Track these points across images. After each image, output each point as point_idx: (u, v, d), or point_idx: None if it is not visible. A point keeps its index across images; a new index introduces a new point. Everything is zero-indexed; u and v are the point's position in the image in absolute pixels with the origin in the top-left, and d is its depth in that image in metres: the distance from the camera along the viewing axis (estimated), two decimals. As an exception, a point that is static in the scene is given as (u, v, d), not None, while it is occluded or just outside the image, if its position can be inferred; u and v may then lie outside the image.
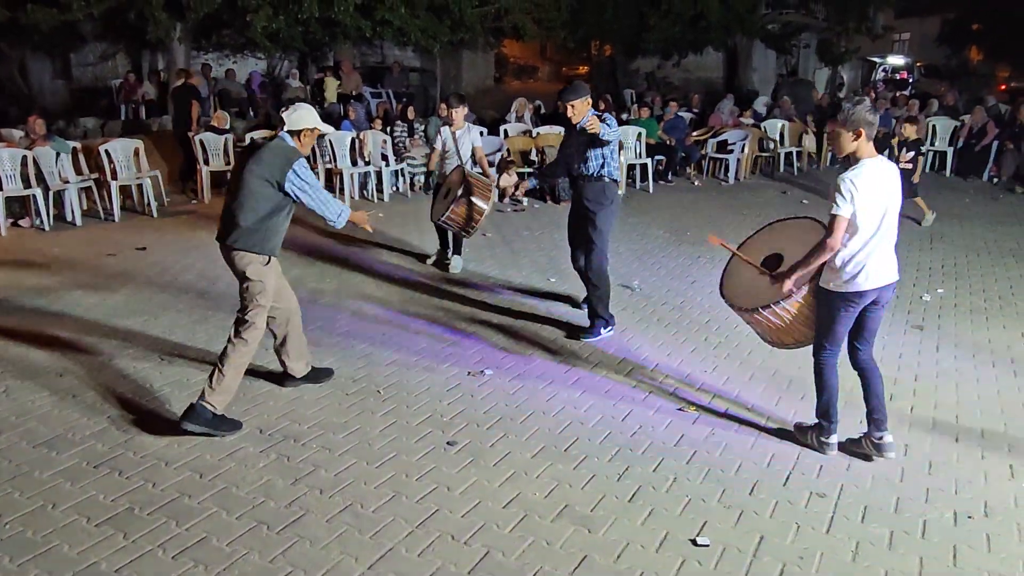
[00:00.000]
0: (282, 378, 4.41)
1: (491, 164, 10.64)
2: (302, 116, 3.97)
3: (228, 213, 3.94)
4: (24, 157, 8.35)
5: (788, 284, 3.62)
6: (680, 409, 4.25)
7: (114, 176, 9.10)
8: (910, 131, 9.72)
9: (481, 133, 11.46)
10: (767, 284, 3.77)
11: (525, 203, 10.17)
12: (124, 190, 9.39)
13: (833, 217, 3.43)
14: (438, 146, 6.91)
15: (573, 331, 5.41)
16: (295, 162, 3.84)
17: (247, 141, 10.52)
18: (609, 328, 5.40)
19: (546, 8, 15.79)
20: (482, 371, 4.72)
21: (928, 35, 30.86)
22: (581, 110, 5.05)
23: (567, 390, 4.48)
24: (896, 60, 27.52)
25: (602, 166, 5.19)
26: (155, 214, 9.19)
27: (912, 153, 9.45)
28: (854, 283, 3.50)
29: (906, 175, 9.50)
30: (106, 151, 9.13)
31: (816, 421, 3.81)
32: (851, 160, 3.52)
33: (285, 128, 3.96)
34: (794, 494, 3.40)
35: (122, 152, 9.30)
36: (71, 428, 3.89)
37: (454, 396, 4.35)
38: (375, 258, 7.42)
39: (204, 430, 3.75)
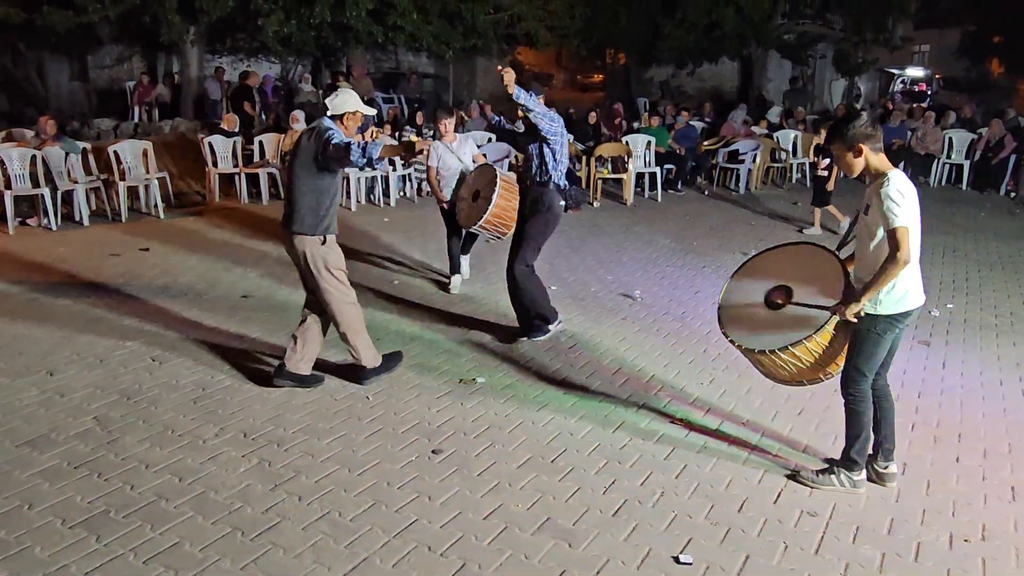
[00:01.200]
0: (276, 370, 4.41)
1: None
2: (345, 100, 4.12)
3: (288, 202, 4.25)
4: (33, 156, 8.41)
5: (855, 309, 3.27)
6: (673, 421, 4.16)
7: (122, 177, 9.14)
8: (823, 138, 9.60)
9: (489, 140, 11.46)
10: (787, 318, 3.48)
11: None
12: (132, 191, 9.43)
13: (896, 230, 3.12)
14: (433, 163, 6.48)
15: (508, 335, 5.35)
16: (325, 132, 4.00)
17: (256, 143, 10.60)
18: (557, 323, 5.38)
19: (559, 16, 15.77)
20: (474, 379, 4.65)
21: (948, 47, 30.61)
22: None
23: (559, 400, 4.40)
24: (915, 72, 27.28)
25: (542, 168, 5.11)
26: (161, 215, 9.22)
27: (828, 160, 9.28)
28: (904, 302, 3.29)
29: (820, 182, 9.39)
30: (115, 152, 9.18)
31: (832, 460, 3.55)
32: (871, 176, 3.31)
33: (328, 113, 4.10)
34: (784, 512, 3.31)
35: (131, 153, 9.34)
36: (55, 428, 3.86)
37: (443, 404, 4.29)
38: (375, 264, 7.39)
39: (381, 375, 4.45)
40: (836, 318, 3.36)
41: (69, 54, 15.61)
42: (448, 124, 6.48)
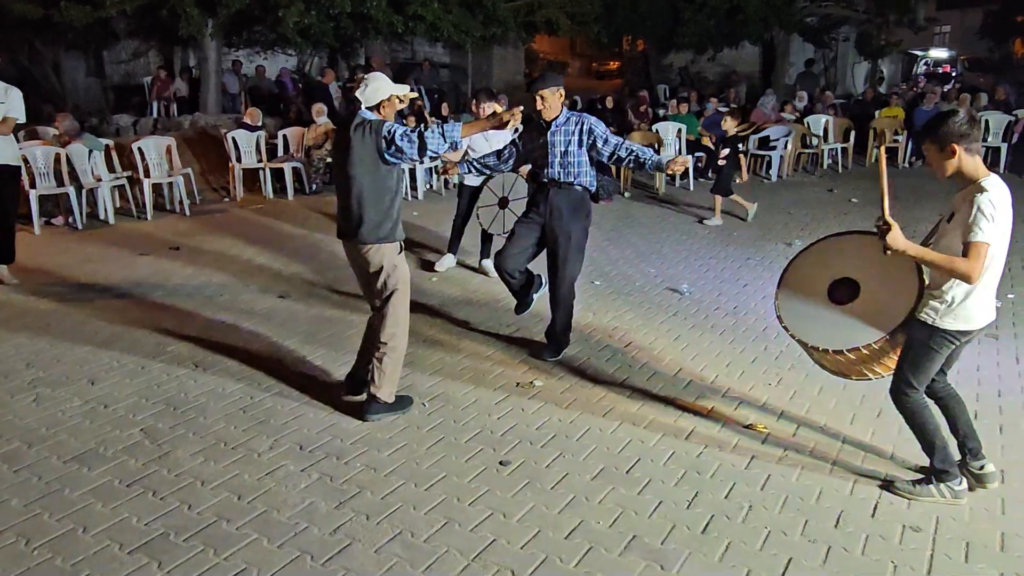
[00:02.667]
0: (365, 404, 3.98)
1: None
2: (377, 88, 3.80)
3: (348, 210, 3.83)
4: (57, 155, 8.24)
5: (897, 243, 2.98)
6: (748, 426, 3.95)
7: (147, 174, 8.97)
8: (730, 125, 9.30)
9: (516, 131, 11.22)
10: (855, 315, 3.30)
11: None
12: (156, 188, 9.26)
13: (975, 245, 2.87)
14: (463, 147, 6.40)
15: (536, 350, 4.90)
16: (382, 127, 3.70)
17: (278, 138, 10.40)
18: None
19: (579, 2, 15.45)
20: (531, 382, 4.45)
21: (970, 28, 30.05)
22: (554, 104, 4.50)
23: (623, 403, 4.19)
24: (938, 53, 26.77)
25: (580, 171, 4.56)
26: (187, 212, 9.05)
27: (728, 150, 9.03)
28: (969, 320, 3.05)
29: (721, 172, 9.09)
30: (138, 149, 9.01)
31: (928, 470, 3.32)
32: (961, 181, 3.04)
33: (363, 106, 3.78)
34: (885, 527, 3.09)
35: (155, 150, 9.17)
36: (103, 442, 3.68)
37: (504, 410, 4.09)
38: (412, 260, 7.18)
39: (387, 415, 3.93)
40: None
41: (85, 50, 15.46)
42: (487, 109, 6.38)
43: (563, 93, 4.56)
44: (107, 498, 3.20)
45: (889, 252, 3.03)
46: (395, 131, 3.68)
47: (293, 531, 3.01)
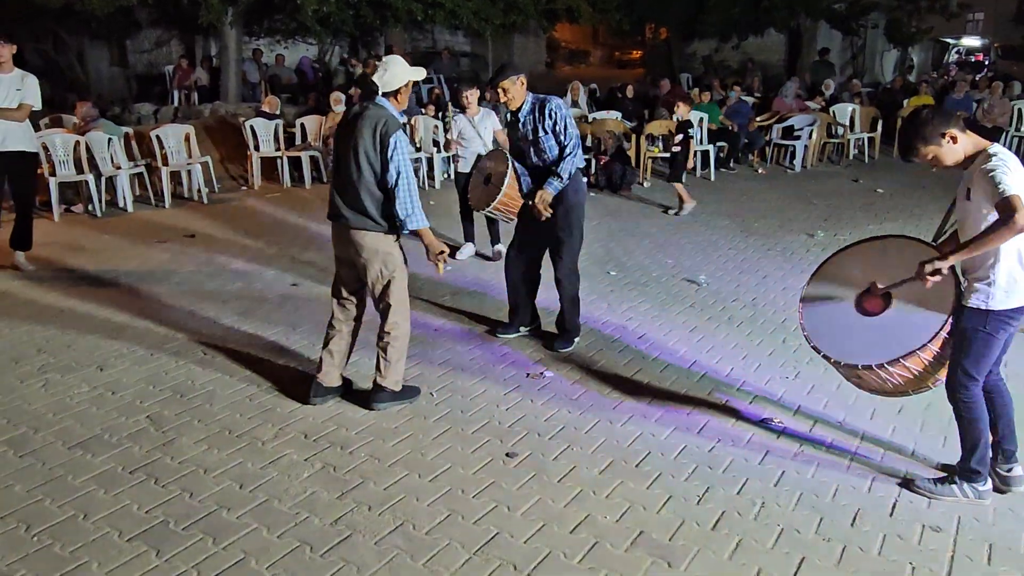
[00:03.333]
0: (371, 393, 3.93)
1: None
2: (395, 73, 3.68)
3: (344, 194, 3.71)
4: (76, 143, 8.29)
5: (939, 265, 2.91)
6: (763, 421, 3.84)
7: (165, 162, 9.00)
8: (684, 110, 9.05)
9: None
10: (889, 326, 3.11)
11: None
12: (174, 176, 9.29)
13: (1008, 198, 2.71)
14: (453, 135, 6.69)
15: (548, 341, 4.78)
16: (397, 130, 3.62)
17: (296, 127, 10.38)
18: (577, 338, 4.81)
19: (601, -11, 15.30)
20: (541, 373, 4.37)
21: (1004, 15, 29.28)
22: (516, 94, 4.42)
23: (634, 396, 4.10)
24: (971, 41, 26.11)
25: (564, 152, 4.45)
26: (205, 200, 9.07)
27: (681, 136, 8.84)
28: (1019, 296, 2.91)
29: (674, 159, 8.87)
30: (157, 137, 9.03)
31: (953, 469, 3.20)
32: (968, 159, 2.95)
33: (381, 91, 3.67)
34: (904, 527, 2.97)
35: (173, 138, 9.19)
36: (108, 428, 3.67)
37: (512, 401, 4.01)
38: (422, 250, 7.11)
39: (394, 404, 3.87)
40: (945, 329, 3.01)
41: (108, 40, 15.61)
42: (471, 96, 6.61)
43: (524, 81, 4.46)
44: (109, 485, 3.18)
45: (940, 276, 2.96)
46: (402, 151, 3.59)
47: (293, 521, 2.97)
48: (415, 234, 3.81)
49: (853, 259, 3.42)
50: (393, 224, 3.72)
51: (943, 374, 3.17)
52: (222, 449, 3.49)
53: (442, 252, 3.87)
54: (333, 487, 3.20)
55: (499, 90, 4.42)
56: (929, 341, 3.04)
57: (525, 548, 2.83)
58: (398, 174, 3.59)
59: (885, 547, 2.85)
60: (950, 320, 3.03)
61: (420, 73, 3.88)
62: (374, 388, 3.88)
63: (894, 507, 3.11)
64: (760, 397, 4.12)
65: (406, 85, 3.73)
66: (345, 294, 3.96)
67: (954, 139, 2.92)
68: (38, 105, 5.95)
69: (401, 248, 3.84)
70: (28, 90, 5.83)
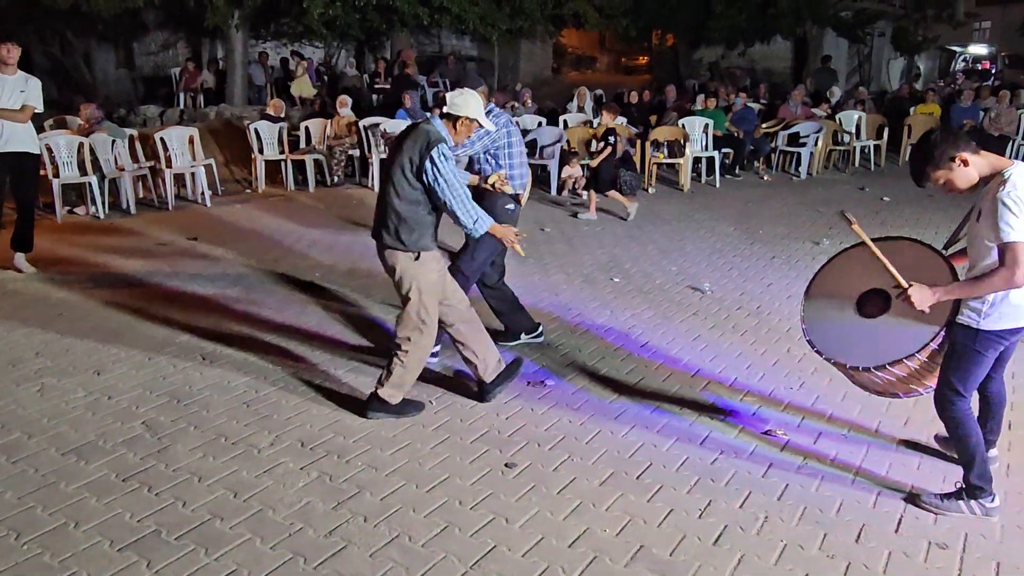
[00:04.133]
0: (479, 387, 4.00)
1: (551, 156, 10.24)
2: (467, 102, 3.64)
3: (378, 207, 3.74)
4: (80, 144, 8.27)
5: (926, 297, 2.89)
6: (766, 432, 3.78)
7: (169, 164, 8.99)
8: (608, 118, 9.11)
9: (540, 124, 11.08)
10: (886, 328, 3.10)
11: (585, 196, 9.73)
12: (178, 179, 9.28)
13: (1011, 245, 2.69)
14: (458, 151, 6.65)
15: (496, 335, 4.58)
16: (435, 147, 3.49)
17: (302, 129, 10.36)
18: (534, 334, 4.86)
19: (608, -5, 15.25)
20: (542, 381, 4.32)
21: (1011, 23, 29.18)
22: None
23: (637, 405, 4.05)
24: (978, 49, 26.02)
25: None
26: (208, 203, 9.04)
27: (602, 144, 8.83)
28: (1016, 317, 2.87)
29: (598, 168, 8.81)
30: (161, 139, 9.02)
31: (960, 484, 3.13)
32: (984, 180, 2.88)
33: (444, 110, 3.66)
34: (909, 544, 2.91)
35: (177, 140, 9.18)
36: (103, 434, 3.63)
37: (512, 410, 3.96)
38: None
39: (387, 416, 3.79)
40: (939, 337, 2.97)
41: (115, 42, 15.61)
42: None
43: (480, 96, 4.05)
44: (102, 492, 3.13)
45: (918, 305, 2.93)
46: (444, 165, 3.49)
47: (288, 532, 2.92)
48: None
49: (861, 257, 3.34)
50: (417, 245, 3.63)
51: (932, 380, 3.14)
52: (217, 456, 3.44)
53: (517, 234, 3.90)
54: (329, 497, 3.15)
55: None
56: (917, 351, 3.01)
57: (523, 562, 2.78)
58: (443, 193, 3.51)
59: (890, 564, 2.79)
60: (942, 333, 2.99)
61: (486, 122, 3.82)
62: (370, 396, 3.83)
63: (899, 523, 3.04)
64: (764, 407, 4.06)
65: (468, 120, 3.66)
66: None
67: (965, 162, 2.85)
68: (40, 107, 5.94)
69: (428, 270, 3.70)
70: (31, 92, 5.82)
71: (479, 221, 3.65)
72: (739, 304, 5.81)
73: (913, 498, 3.19)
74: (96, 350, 4.63)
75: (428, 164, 3.50)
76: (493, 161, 4.51)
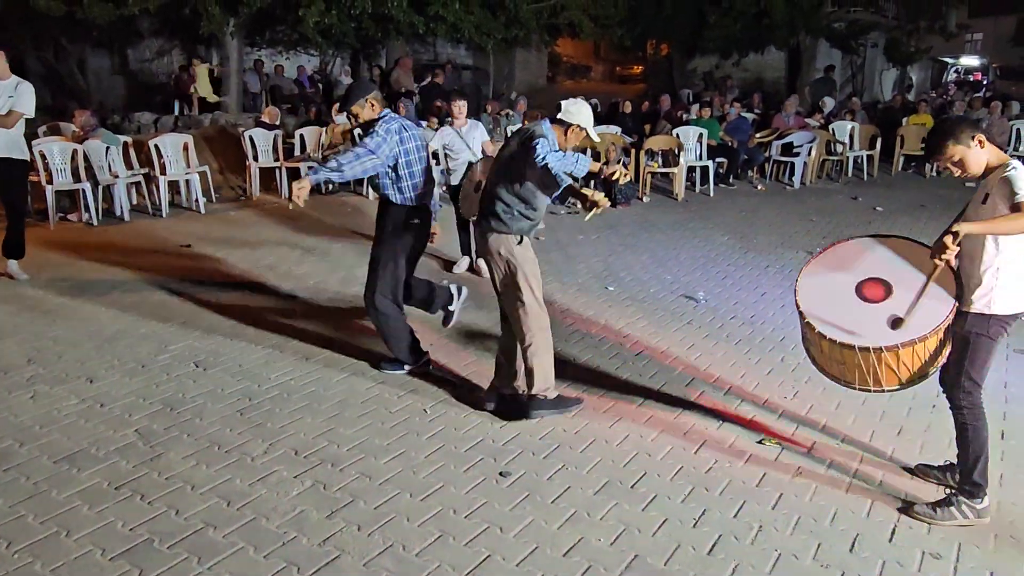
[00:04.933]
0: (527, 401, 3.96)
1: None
2: (580, 111, 3.79)
3: (485, 200, 3.92)
4: (74, 151, 8.26)
5: (962, 229, 2.87)
6: (760, 442, 3.78)
7: (163, 171, 8.97)
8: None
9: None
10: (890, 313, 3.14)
11: (579, 205, 9.74)
12: (172, 186, 9.26)
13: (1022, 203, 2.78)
14: (435, 145, 6.65)
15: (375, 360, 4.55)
16: (538, 139, 3.60)
17: (297, 137, 10.36)
18: (414, 363, 4.45)
19: (603, 5, 15.32)
20: (537, 390, 4.31)
21: (1003, 35, 29.48)
22: (368, 116, 4.22)
23: (631, 414, 4.05)
24: (970, 61, 26.25)
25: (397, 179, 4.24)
26: (202, 210, 9.03)
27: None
28: (1020, 303, 2.97)
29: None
30: (155, 146, 9.01)
31: (951, 491, 3.19)
32: (987, 170, 2.99)
33: (557, 115, 3.78)
34: (903, 553, 2.91)
35: (171, 147, 9.17)
36: (96, 442, 3.60)
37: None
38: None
39: (551, 412, 3.90)
40: (947, 320, 3.02)
41: (110, 48, 15.60)
42: (462, 108, 6.65)
43: (374, 102, 4.20)
44: (94, 501, 3.12)
45: (959, 243, 2.92)
46: (544, 152, 3.54)
47: (281, 540, 2.90)
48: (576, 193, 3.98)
49: (859, 249, 3.46)
50: (516, 228, 3.81)
51: (889, 382, 3.20)
52: (211, 465, 3.43)
53: (597, 202, 3.84)
54: (323, 506, 3.13)
55: (351, 117, 4.27)
56: (900, 343, 3.05)
57: (517, 571, 2.77)
58: (546, 159, 3.54)
59: (884, 574, 2.80)
60: (929, 332, 3.03)
61: (593, 133, 3.93)
62: (526, 399, 3.91)
63: (893, 532, 3.05)
64: (758, 417, 4.07)
65: (578, 128, 3.78)
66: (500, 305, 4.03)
67: (982, 143, 2.96)
68: (31, 113, 5.89)
69: (529, 254, 3.86)
70: (20, 97, 5.76)
71: (578, 164, 3.63)
72: (733, 313, 5.82)
73: (907, 508, 3.20)
74: (89, 357, 4.61)
75: (537, 141, 3.56)
76: (393, 174, 4.24)
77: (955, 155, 2.98)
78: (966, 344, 3.04)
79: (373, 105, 4.22)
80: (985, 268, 2.99)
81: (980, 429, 3.07)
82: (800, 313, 3.38)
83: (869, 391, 3.32)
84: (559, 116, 3.77)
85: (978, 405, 3.07)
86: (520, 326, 3.85)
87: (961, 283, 3.07)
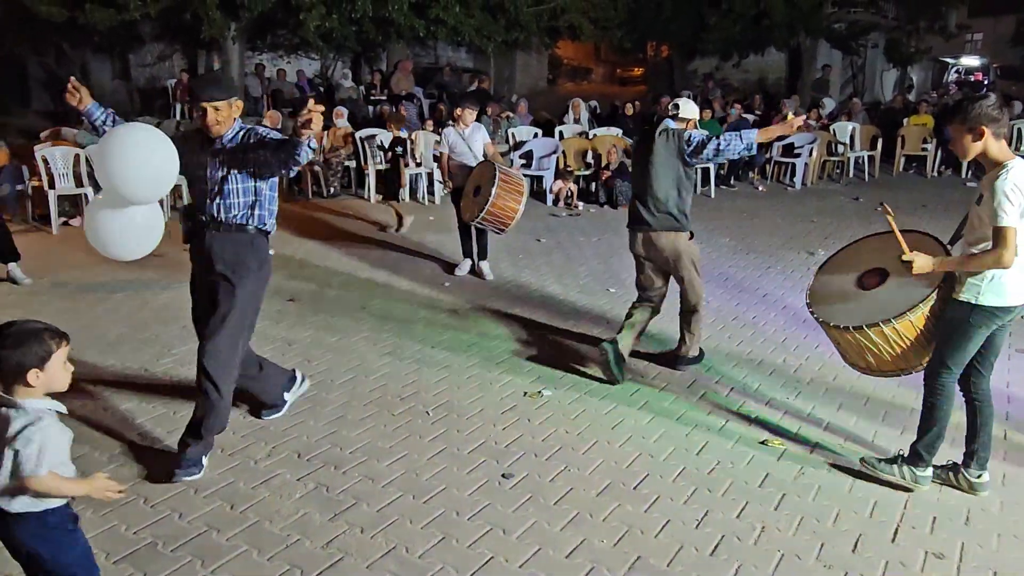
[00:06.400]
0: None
1: (539, 168, 10.28)
2: (691, 108, 4.56)
3: (644, 202, 4.47)
4: (76, 156, 8.28)
5: (925, 264, 3.12)
6: (763, 442, 3.78)
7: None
8: (394, 129, 9.37)
9: (536, 135, 11.13)
10: (879, 297, 3.32)
11: (580, 208, 9.76)
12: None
13: (1004, 229, 2.90)
14: (444, 149, 6.75)
15: (257, 408, 3.90)
16: (682, 133, 4.39)
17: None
18: (202, 459, 3.39)
19: (603, 7, 15.35)
20: (539, 391, 4.32)
21: (1003, 35, 29.44)
22: (228, 117, 3.38)
23: (633, 416, 4.05)
24: (970, 61, 26.24)
25: (253, 207, 3.43)
26: (204, 215, 9.03)
27: (391, 154, 9.14)
28: (1007, 296, 3.04)
29: (385, 176, 9.03)
30: (157, 150, 9.01)
31: (902, 452, 3.38)
32: (988, 165, 3.02)
33: (677, 114, 4.47)
34: (907, 553, 2.92)
35: (173, 151, 9.17)
36: (99, 446, 3.62)
37: (509, 420, 3.96)
38: (423, 266, 7.09)
39: (693, 364, 4.68)
40: (933, 297, 3.15)
41: (111, 53, 15.63)
42: (470, 114, 6.75)
43: (240, 107, 3.46)
44: (98, 504, 3.11)
45: (916, 269, 3.16)
46: (692, 136, 4.33)
47: (284, 543, 2.91)
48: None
49: (866, 247, 3.69)
50: (687, 224, 4.47)
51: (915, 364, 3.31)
52: (213, 468, 3.43)
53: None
54: (325, 508, 3.14)
55: (211, 108, 3.33)
56: (893, 316, 3.18)
57: (520, 573, 2.77)
58: (704, 143, 4.29)
59: (887, 574, 2.80)
60: (931, 297, 3.15)
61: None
62: (677, 357, 4.67)
63: (896, 532, 3.05)
64: (760, 417, 4.07)
65: (695, 122, 4.58)
66: (645, 286, 4.68)
67: (980, 136, 2.97)
68: None
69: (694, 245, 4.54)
70: None
71: (748, 133, 4.32)
72: (735, 315, 5.82)
73: (863, 461, 3.42)
74: (93, 361, 4.62)
75: (687, 134, 4.35)
76: (253, 192, 3.45)
77: (956, 132, 3.05)
78: (948, 328, 3.15)
79: (239, 109, 3.45)
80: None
81: (939, 407, 3.21)
82: (811, 311, 3.57)
83: (869, 373, 3.48)
84: (679, 115, 4.46)
85: (946, 386, 3.20)
86: (688, 297, 4.60)
87: (952, 285, 3.16)
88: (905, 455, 3.33)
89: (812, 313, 3.54)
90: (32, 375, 2.11)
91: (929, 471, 3.29)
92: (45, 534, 2.20)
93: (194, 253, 3.65)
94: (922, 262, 3.13)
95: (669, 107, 4.58)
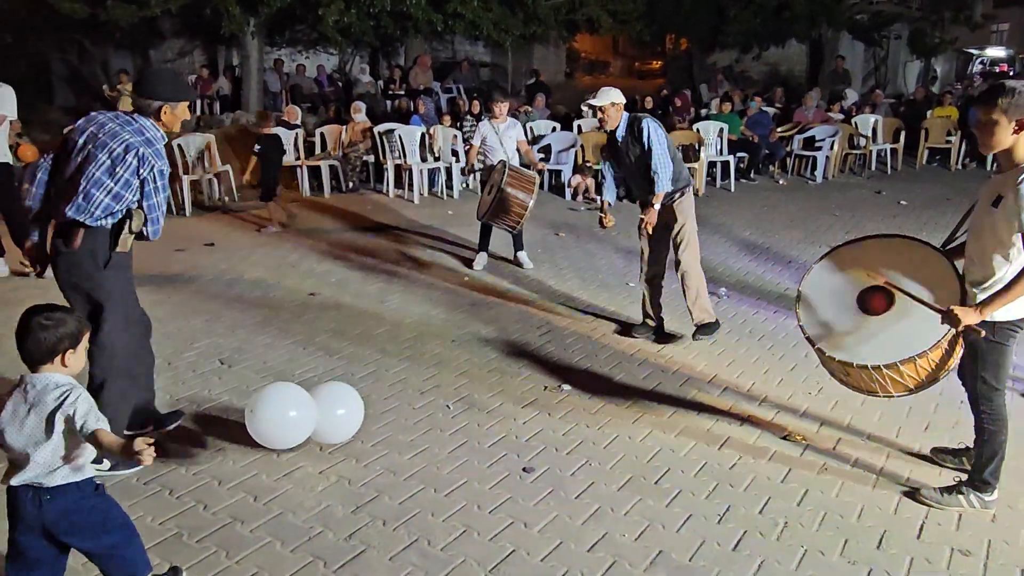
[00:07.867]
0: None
1: (552, 162, 10.25)
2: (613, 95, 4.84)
3: (635, 184, 5.09)
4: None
5: (972, 319, 2.81)
6: (785, 437, 3.76)
7: (186, 171, 9.07)
8: (268, 128, 8.56)
9: (554, 130, 11.11)
10: (889, 327, 3.09)
11: (598, 201, 9.71)
12: (195, 185, 9.35)
13: None
14: (476, 142, 6.76)
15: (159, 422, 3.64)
16: (644, 122, 4.80)
17: (317, 135, 10.41)
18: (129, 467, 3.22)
19: (622, 0, 15.26)
20: (560, 386, 4.32)
21: (1030, 25, 28.88)
22: (174, 118, 3.26)
23: (654, 410, 4.04)
24: (996, 52, 25.80)
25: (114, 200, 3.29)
26: (225, 209, 9.11)
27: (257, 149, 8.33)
28: (1018, 311, 2.90)
29: (266, 175, 8.13)
30: (178, 145, 9.10)
31: (959, 478, 3.22)
32: (1009, 163, 2.85)
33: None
34: (932, 550, 2.88)
35: (194, 147, 9.26)
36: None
37: (530, 414, 3.96)
38: (442, 260, 7.11)
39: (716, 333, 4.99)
40: (950, 333, 2.94)
41: (132, 49, 15.78)
42: (503, 107, 6.77)
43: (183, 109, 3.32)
44: (123, 496, 3.14)
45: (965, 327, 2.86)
46: (653, 140, 4.77)
47: (307, 535, 2.93)
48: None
49: (862, 253, 3.34)
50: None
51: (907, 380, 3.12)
52: (237, 461, 3.47)
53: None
54: (348, 501, 3.16)
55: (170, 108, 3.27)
56: (917, 355, 3.00)
57: (542, 566, 2.78)
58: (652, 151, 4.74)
59: (912, 571, 2.77)
60: (949, 333, 2.96)
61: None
62: (701, 327, 4.95)
63: (922, 529, 3.02)
64: (782, 412, 4.04)
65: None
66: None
67: (1021, 128, 2.75)
68: (13, 115, 5.95)
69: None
70: (1, 100, 5.82)
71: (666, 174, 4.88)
72: (756, 309, 5.78)
73: (913, 493, 3.21)
74: (116, 355, 4.67)
75: (644, 126, 4.77)
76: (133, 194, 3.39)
77: (986, 118, 2.80)
78: (976, 350, 3.00)
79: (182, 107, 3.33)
80: (996, 280, 2.90)
81: (997, 432, 3.05)
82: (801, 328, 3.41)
83: (878, 396, 3.28)
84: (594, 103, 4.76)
85: (997, 409, 3.03)
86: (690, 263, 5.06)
87: (965, 293, 2.98)
88: (964, 483, 3.15)
89: (808, 340, 3.34)
90: (69, 355, 2.24)
91: (996, 495, 3.10)
92: (86, 503, 2.28)
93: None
94: (966, 317, 2.82)
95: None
